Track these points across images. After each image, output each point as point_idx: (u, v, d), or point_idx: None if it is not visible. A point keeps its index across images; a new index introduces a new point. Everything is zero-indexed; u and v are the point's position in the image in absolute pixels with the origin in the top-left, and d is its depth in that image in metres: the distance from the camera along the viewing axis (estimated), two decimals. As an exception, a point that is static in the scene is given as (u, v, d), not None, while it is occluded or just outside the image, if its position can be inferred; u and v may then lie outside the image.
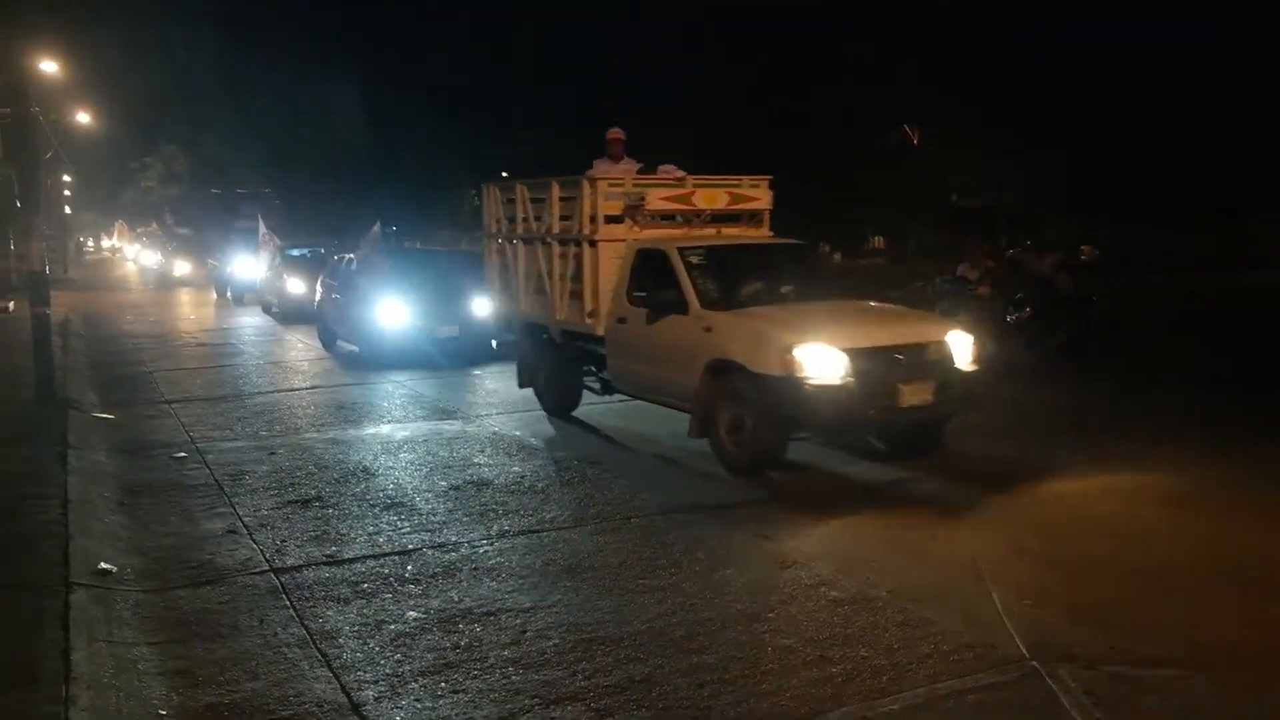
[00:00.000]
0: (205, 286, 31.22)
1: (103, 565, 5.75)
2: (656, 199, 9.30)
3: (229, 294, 27.22)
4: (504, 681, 4.44)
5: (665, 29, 27.52)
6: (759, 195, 9.82)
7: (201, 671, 4.59)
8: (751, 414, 7.60)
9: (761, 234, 9.93)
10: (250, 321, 21.75)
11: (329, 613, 5.23)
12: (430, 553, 6.17)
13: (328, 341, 16.23)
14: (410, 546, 6.29)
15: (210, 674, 4.57)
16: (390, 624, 5.08)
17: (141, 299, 30.65)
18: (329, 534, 6.56)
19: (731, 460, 7.85)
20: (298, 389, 12.84)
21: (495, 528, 6.65)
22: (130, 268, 54.18)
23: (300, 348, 16.98)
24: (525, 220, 10.24)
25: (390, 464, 8.47)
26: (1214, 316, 19.93)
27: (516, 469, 8.23)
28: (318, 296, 16.96)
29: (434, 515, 6.97)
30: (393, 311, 14.11)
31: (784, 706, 4.19)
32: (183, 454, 8.86)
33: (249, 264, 25.25)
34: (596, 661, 4.61)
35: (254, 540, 6.44)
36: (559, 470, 8.17)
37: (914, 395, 7.58)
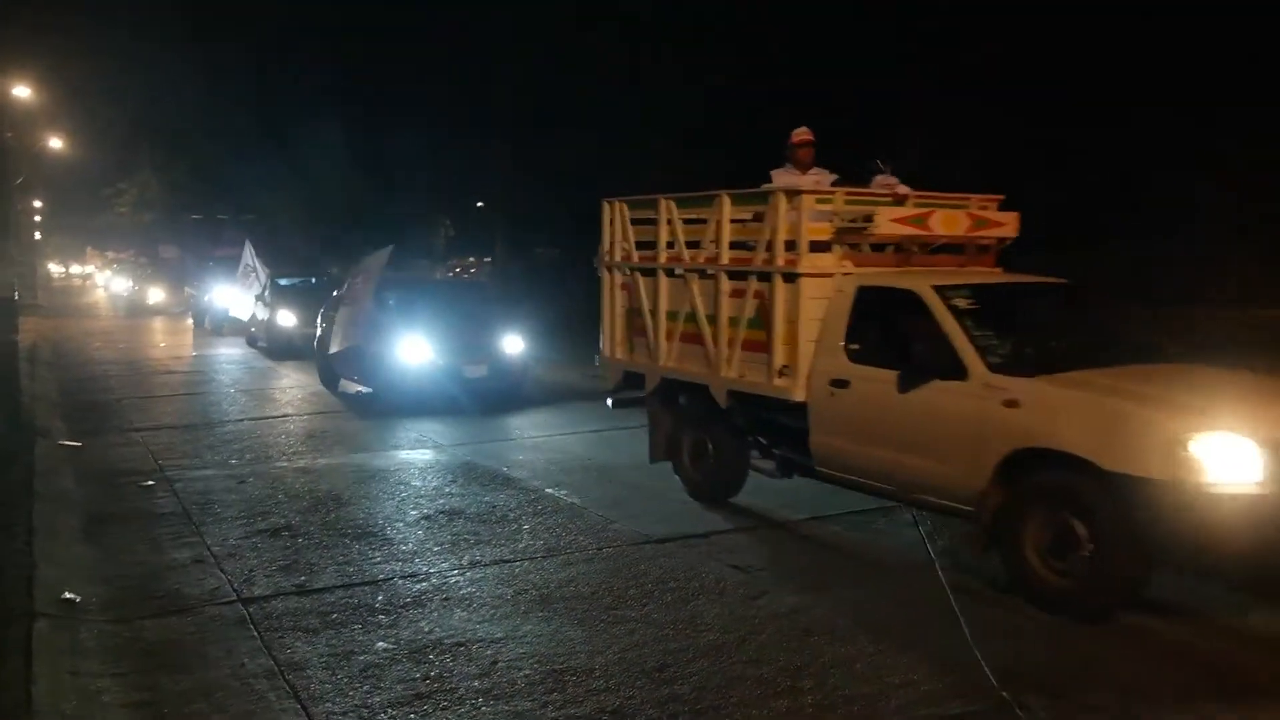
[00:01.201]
0: (180, 315, 30.65)
1: (67, 595, 5.66)
2: (887, 221, 6.93)
3: (207, 323, 25.86)
4: (474, 713, 4.41)
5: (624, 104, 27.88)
6: (1005, 220, 7.53)
7: (166, 703, 4.53)
8: (1100, 532, 5.33)
9: (990, 270, 7.65)
10: (233, 354, 20.34)
11: (297, 643, 5.18)
12: (401, 583, 6.12)
13: (329, 380, 14.60)
14: (380, 576, 6.24)
15: (175, 706, 4.51)
16: (359, 655, 5.03)
17: (111, 326, 30.36)
18: (298, 563, 6.50)
19: (1054, 595, 5.56)
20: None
21: (466, 558, 6.62)
22: (101, 294, 53.71)
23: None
24: (673, 247, 7.97)
25: (361, 493, 8.41)
26: None
27: (488, 498, 8.20)
28: (318, 331, 15.16)
29: (405, 544, 6.93)
30: (415, 348, 12.54)
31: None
32: (150, 482, 8.76)
33: (229, 293, 24.07)
34: (568, 692, 4.59)
35: (222, 570, 6.37)
36: (531, 500, 8.15)
37: None
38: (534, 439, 10.87)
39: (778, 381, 7.04)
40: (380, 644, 5.17)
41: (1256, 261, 17.75)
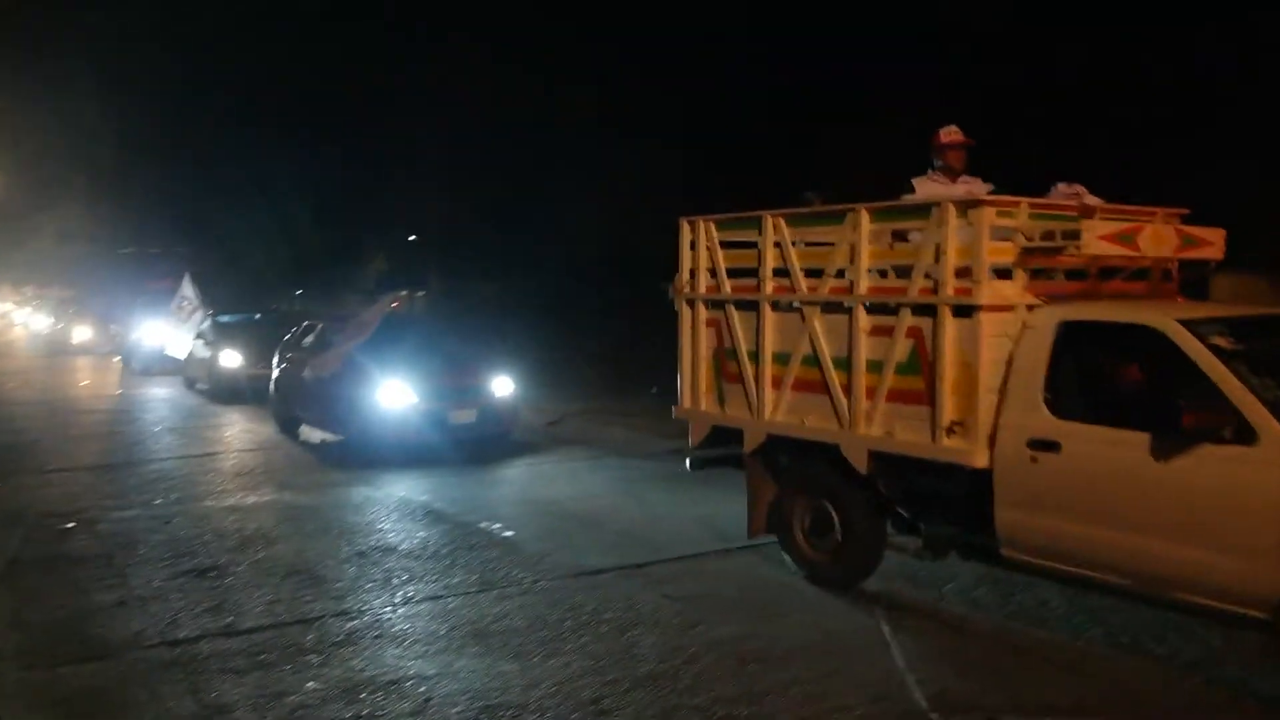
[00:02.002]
0: (107, 354, 29.61)
1: (-19, 642, 5.47)
2: (1095, 240, 5.55)
3: (134, 364, 24.30)
4: (408, 750, 4.35)
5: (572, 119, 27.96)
6: (1213, 239, 6.21)
7: (87, 751, 4.40)
8: None
9: (1171, 296, 6.42)
10: (166, 396, 19.13)
11: (225, 685, 5.06)
12: (332, 621, 6.02)
13: (287, 427, 13.48)
14: (311, 615, 6.13)
15: (96, 753, 4.37)
16: (289, 695, 4.93)
17: (30, 365, 29.44)
18: (226, 604, 6.35)
19: None
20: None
21: (399, 594, 6.53)
22: (20, 332, 52.06)
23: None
24: (786, 274, 6.60)
25: (291, 531, 8.26)
26: None
27: (421, 534, 8.11)
28: (274, 373, 14.05)
29: (336, 582, 6.82)
30: (395, 392, 11.29)
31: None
32: (70, 524, 8.50)
33: (161, 330, 22.00)
34: (503, 727, 4.55)
35: (146, 612, 6.20)
36: (465, 535, 8.08)
37: None
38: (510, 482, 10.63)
39: (946, 442, 5.64)
40: (310, 684, 5.07)
41: None
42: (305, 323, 14.74)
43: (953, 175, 6.84)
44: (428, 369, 11.68)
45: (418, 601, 6.38)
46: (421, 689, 4.99)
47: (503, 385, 12.00)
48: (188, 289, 20.34)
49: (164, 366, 22.06)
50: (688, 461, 7.60)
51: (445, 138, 30.85)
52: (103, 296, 34.96)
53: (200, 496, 9.73)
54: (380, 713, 4.73)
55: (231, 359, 17.75)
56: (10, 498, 9.67)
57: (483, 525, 8.35)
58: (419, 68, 30.96)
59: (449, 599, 6.43)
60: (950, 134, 6.88)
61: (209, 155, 35.91)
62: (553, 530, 8.24)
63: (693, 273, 7.32)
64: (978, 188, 6.62)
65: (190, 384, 19.85)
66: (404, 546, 7.71)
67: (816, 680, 5.03)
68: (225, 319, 19.72)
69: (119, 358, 26.57)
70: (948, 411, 5.63)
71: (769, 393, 6.71)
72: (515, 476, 10.23)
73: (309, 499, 9.54)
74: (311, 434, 12.87)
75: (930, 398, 5.72)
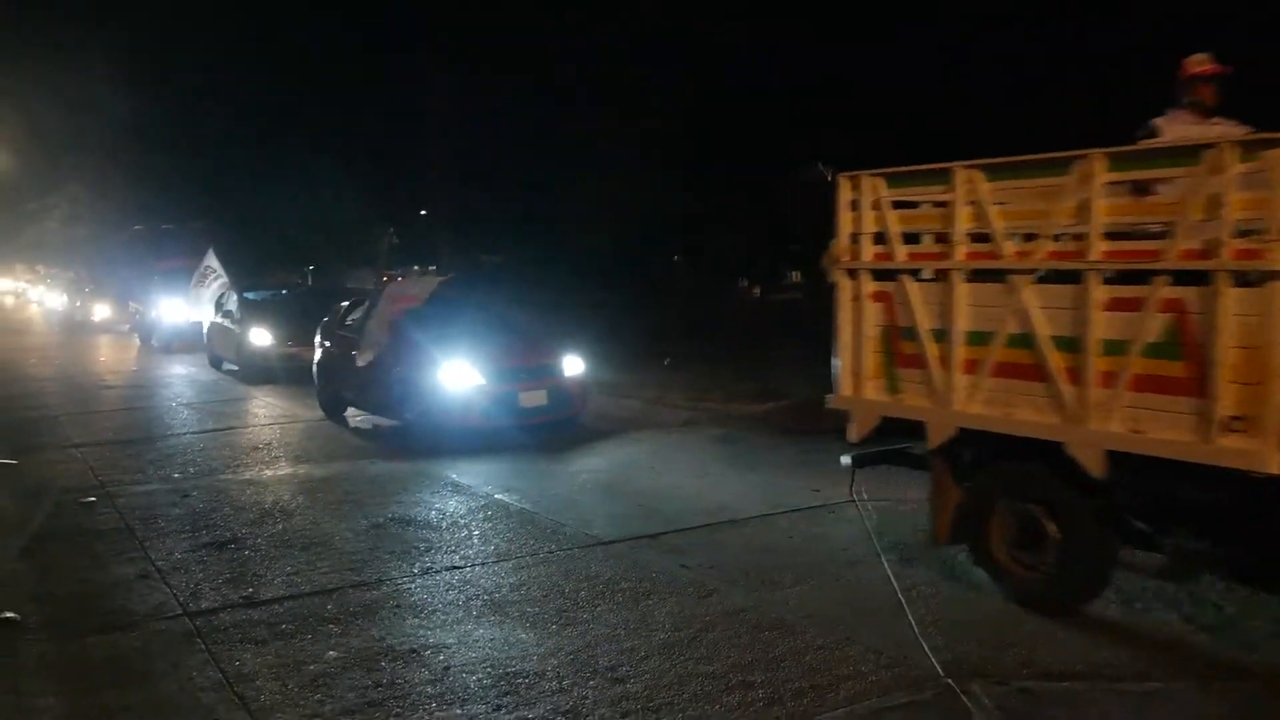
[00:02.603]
0: (125, 333, 28.97)
1: (7, 614, 5.56)
2: None
3: (154, 341, 24.07)
4: (426, 718, 4.41)
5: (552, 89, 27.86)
6: None
7: None
8: None
9: None
10: (189, 375, 18.45)
11: (246, 655, 5.13)
12: (351, 591, 6.08)
13: (332, 409, 12.62)
14: (330, 586, 6.20)
15: (122, 722, 4.45)
16: (309, 664, 5.00)
17: (47, 342, 29.63)
18: (245, 575, 6.43)
19: None
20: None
21: (418, 565, 6.59)
22: (35, 310, 52.37)
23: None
24: (988, 238, 5.54)
25: (309, 504, 8.33)
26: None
27: (439, 505, 8.17)
28: (317, 354, 13.15)
29: (355, 553, 6.88)
30: (458, 373, 10.43)
31: (706, 732, 4.25)
32: (91, 498, 8.59)
33: (177, 307, 22.08)
34: (520, 695, 4.60)
35: (167, 584, 6.28)
36: (482, 505, 8.13)
37: None
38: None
39: (1223, 441, 4.59)
40: (331, 653, 5.14)
41: None
42: (349, 300, 13.69)
43: (1204, 113, 5.72)
44: (492, 348, 10.91)
45: (436, 572, 6.42)
46: (440, 657, 5.05)
47: (573, 364, 11.16)
48: (212, 260, 19.77)
49: (184, 343, 21.89)
50: (847, 459, 6.59)
51: (455, 113, 30.78)
52: (116, 274, 34.84)
53: (217, 470, 9.79)
54: (399, 680, 4.79)
55: (262, 337, 16.92)
56: (34, 473, 9.78)
57: (499, 496, 8.38)
58: (431, 45, 30.85)
59: (466, 569, 6.47)
60: (1200, 63, 5.74)
61: (220, 134, 35.88)
62: (568, 502, 8.24)
63: (854, 238, 6.21)
64: (1233, 130, 5.44)
65: (216, 363, 19.04)
66: (421, 517, 7.77)
67: (831, 647, 5.06)
68: (253, 295, 18.87)
69: (138, 335, 26.50)
70: (1226, 404, 4.58)
71: (961, 378, 5.66)
72: (525, 450, 10.22)
73: (324, 472, 9.59)
74: (361, 418, 12.31)
75: (1197, 386, 4.68)
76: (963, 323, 5.66)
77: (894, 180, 6.04)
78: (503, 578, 6.30)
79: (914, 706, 4.43)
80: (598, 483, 8.66)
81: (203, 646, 5.26)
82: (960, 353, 5.68)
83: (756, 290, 44.71)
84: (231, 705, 4.57)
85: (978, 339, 5.60)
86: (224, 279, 19.08)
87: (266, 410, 13.89)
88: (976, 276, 5.65)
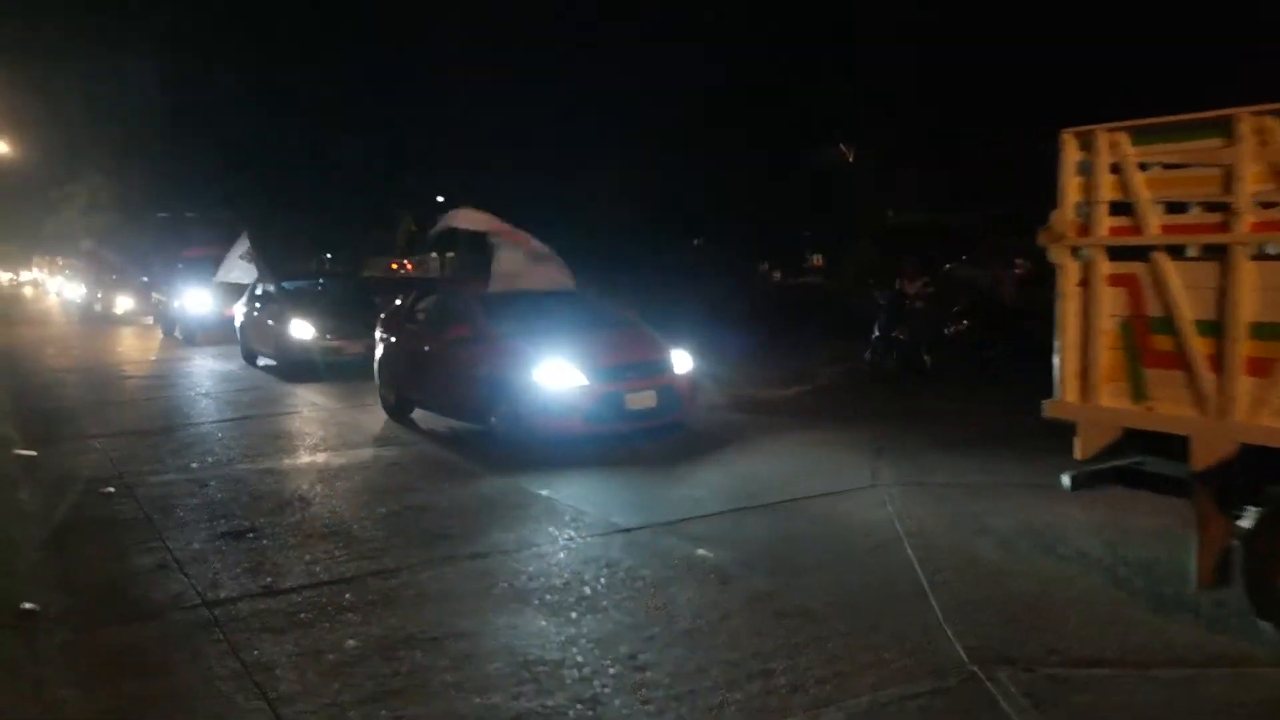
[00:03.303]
0: (148, 324, 28.23)
1: (26, 605, 5.56)
2: None
3: (178, 332, 23.20)
4: (446, 706, 4.37)
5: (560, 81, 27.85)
6: None
7: (131, 710, 4.47)
8: None
9: None
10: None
11: (265, 644, 5.11)
12: (370, 580, 6.06)
13: (398, 411, 11.55)
14: (349, 574, 6.17)
15: (140, 712, 4.44)
16: (329, 653, 4.97)
17: (65, 333, 29.78)
18: (264, 565, 6.41)
19: None
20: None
21: (437, 553, 6.56)
22: (53, 301, 52.74)
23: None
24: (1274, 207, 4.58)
25: (327, 492, 8.32)
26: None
27: (456, 493, 8.14)
28: (379, 349, 12.03)
29: (373, 542, 6.86)
30: (556, 372, 9.17)
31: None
32: (110, 489, 8.61)
33: (203, 297, 21.59)
34: (541, 684, 4.56)
35: (185, 574, 6.27)
36: (501, 493, 8.10)
37: None
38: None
39: None
40: (350, 642, 5.11)
41: None
42: (416, 291, 12.65)
43: None
44: (592, 343, 9.75)
45: (456, 560, 6.39)
46: (461, 646, 5.01)
47: (682, 360, 9.91)
48: (245, 247, 18.48)
49: (209, 335, 21.41)
50: (1066, 479, 5.52)
51: (469, 98, 30.75)
52: (139, 264, 34.58)
53: (235, 460, 9.79)
54: (419, 669, 4.76)
55: (303, 330, 15.74)
56: (53, 464, 9.80)
57: (520, 485, 8.32)
58: (448, 30, 30.85)
59: (487, 557, 6.44)
60: None
61: (239, 123, 35.96)
62: (587, 491, 8.17)
63: (1088, 209, 5.22)
64: None
65: (250, 357, 17.77)
66: (439, 505, 7.73)
67: (853, 634, 5.00)
68: (290, 285, 17.74)
69: (161, 327, 25.58)
70: None
71: (1244, 382, 4.66)
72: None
73: (342, 460, 9.55)
74: (429, 420, 11.21)
75: None
76: (1247, 312, 4.60)
77: (1143, 135, 5.02)
78: (523, 566, 6.25)
79: (939, 694, 4.36)
80: (618, 473, 8.57)
81: (221, 636, 5.24)
82: (1242, 350, 4.63)
83: (777, 274, 44.54)
84: (250, 694, 4.55)
85: (1269, 332, 4.56)
86: (258, 267, 18.00)
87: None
88: (1266, 254, 4.64)
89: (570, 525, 7.10)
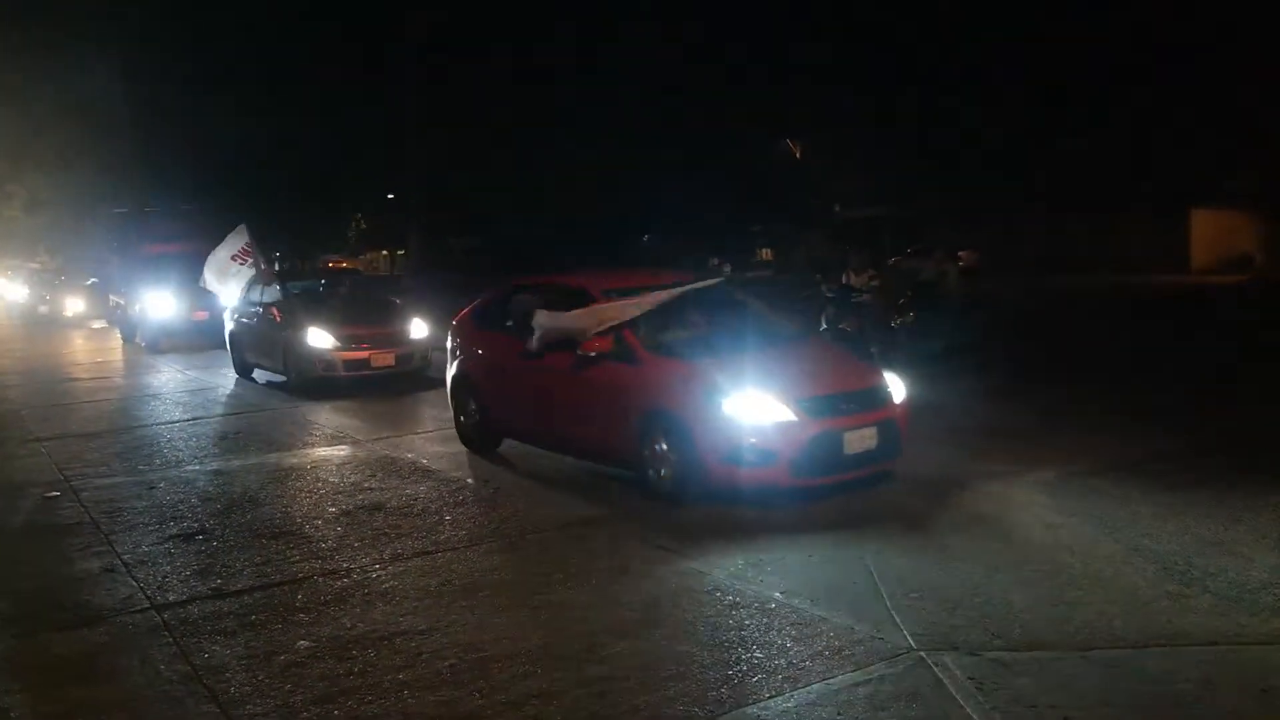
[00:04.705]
0: (105, 328, 26.64)
1: (-32, 612, 5.45)
2: None
3: (140, 339, 21.00)
4: (399, 705, 4.37)
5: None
6: None
7: (79, 716, 4.41)
8: None
9: None
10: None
11: (215, 647, 5.07)
12: (321, 580, 6.02)
13: (481, 441, 9.35)
14: (300, 575, 6.13)
15: (88, 718, 4.38)
16: (280, 654, 4.94)
17: (8, 334, 29.11)
18: (214, 567, 6.35)
19: None
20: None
21: (388, 551, 6.54)
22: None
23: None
24: None
25: (277, 493, 8.24)
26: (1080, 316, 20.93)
27: (409, 491, 8.11)
28: (451, 367, 9.81)
29: (324, 542, 6.81)
30: (751, 405, 6.99)
31: (683, 711, 4.22)
32: (55, 493, 8.46)
33: (166, 300, 19.83)
34: (493, 679, 4.57)
35: (133, 578, 6.19)
36: (453, 492, 8.08)
37: None
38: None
39: None
40: (301, 642, 5.08)
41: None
42: (496, 294, 9.89)
43: None
44: (783, 363, 7.58)
45: (407, 558, 6.38)
46: (413, 644, 5.00)
47: (895, 386, 7.78)
48: (242, 241, 15.77)
49: (173, 341, 19.91)
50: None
51: (424, 91, 30.48)
52: (92, 263, 33.03)
53: (184, 461, 9.66)
54: (371, 668, 4.74)
55: (321, 339, 13.46)
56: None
57: (470, 483, 8.27)
58: (399, 23, 30.53)
59: (437, 554, 6.42)
60: None
61: (187, 117, 35.30)
62: (539, 486, 8.15)
63: None
64: None
65: (244, 370, 15.40)
66: (391, 504, 7.70)
67: (805, 623, 5.07)
68: (296, 287, 15.45)
69: (120, 332, 23.42)
70: None
71: None
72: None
73: (293, 460, 9.46)
74: (521, 454, 9.05)
75: None
76: None
77: None
78: (474, 562, 6.24)
79: (887, 679, 4.44)
80: (572, 469, 8.58)
81: (171, 639, 5.19)
82: None
83: (727, 268, 44.63)
84: (201, 698, 4.51)
85: None
86: (255, 266, 15.61)
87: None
88: None
89: (522, 519, 7.09)
